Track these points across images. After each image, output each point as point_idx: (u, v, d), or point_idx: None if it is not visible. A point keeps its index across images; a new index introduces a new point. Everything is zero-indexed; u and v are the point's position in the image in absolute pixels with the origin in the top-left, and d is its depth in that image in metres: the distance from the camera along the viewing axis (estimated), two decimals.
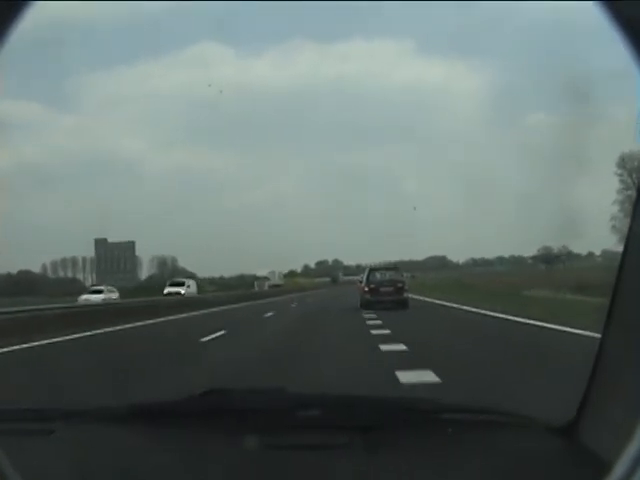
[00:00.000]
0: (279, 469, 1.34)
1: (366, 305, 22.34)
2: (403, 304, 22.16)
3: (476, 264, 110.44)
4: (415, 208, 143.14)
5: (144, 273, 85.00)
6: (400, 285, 23.02)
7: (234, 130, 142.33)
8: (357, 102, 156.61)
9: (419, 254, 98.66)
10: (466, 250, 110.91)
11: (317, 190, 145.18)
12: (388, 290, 22.78)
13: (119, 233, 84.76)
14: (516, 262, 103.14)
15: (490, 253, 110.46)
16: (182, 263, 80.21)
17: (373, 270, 24.75)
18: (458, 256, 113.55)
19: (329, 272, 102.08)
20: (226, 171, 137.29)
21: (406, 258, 76.97)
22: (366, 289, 23.15)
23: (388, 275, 23.94)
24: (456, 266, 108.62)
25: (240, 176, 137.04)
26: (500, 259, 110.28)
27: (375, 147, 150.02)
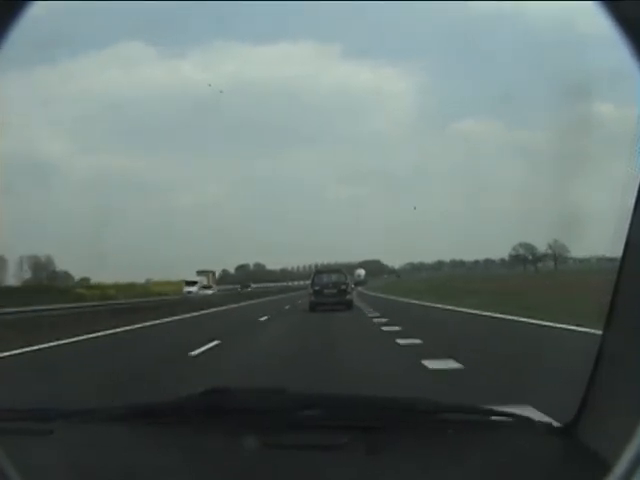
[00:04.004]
0: (279, 469, 1.34)
1: (313, 307, 22.69)
2: (347, 305, 22.60)
3: (414, 268, 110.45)
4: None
5: (9, 277, 61.80)
6: (343, 287, 23.63)
7: (151, 133, 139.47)
8: (277, 104, 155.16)
9: (352, 257, 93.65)
10: (402, 254, 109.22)
11: (239, 194, 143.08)
12: (332, 292, 23.38)
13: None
14: (456, 266, 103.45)
15: (429, 258, 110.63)
16: (63, 265, 62.31)
17: (318, 272, 25.47)
18: (393, 260, 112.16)
19: (247, 278, 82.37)
20: (135, 173, 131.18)
21: (335, 261, 71.33)
22: (311, 291, 23.71)
23: (333, 277, 24.44)
24: (391, 271, 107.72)
25: (151, 179, 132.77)
26: (440, 263, 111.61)
27: (302, 150, 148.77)
